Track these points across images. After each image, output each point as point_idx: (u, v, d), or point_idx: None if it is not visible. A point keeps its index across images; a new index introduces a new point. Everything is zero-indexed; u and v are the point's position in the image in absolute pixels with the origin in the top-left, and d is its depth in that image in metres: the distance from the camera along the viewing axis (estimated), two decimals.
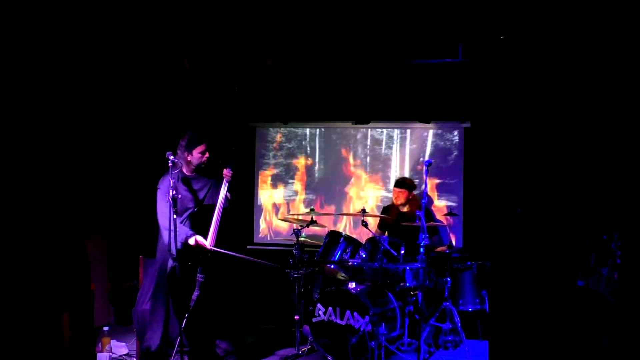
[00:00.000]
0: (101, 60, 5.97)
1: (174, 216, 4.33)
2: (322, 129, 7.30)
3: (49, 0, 4.79)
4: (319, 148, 7.30)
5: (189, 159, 4.74)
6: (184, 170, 4.80)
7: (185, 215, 4.74)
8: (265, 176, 7.44)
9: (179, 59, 6.67)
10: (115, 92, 6.49)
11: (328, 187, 7.25)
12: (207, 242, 4.65)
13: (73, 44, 5.28)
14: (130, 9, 5.51)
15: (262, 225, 7.45)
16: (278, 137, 7.42)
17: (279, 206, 7.39)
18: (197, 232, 4.68)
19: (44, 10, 4.74)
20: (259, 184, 7.46)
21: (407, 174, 6.82)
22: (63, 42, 5.08)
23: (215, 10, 5.65)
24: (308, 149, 7.33)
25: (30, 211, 4.29)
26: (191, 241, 4.59)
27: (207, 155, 4.78)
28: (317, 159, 7.30)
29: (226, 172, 4.77)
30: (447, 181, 6.87)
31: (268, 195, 7.43)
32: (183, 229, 4.61)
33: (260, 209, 7.45)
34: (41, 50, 4.73)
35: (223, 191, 4.76)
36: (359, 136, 7.17)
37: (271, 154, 7.44)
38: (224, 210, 4.77)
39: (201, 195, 4.83)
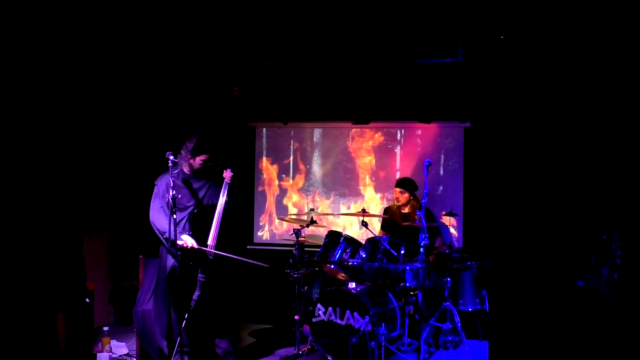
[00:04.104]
0: (102, 60, 5.97)
1: (174, 216, 4.33)
2: (322, 129, 7.30)
3: (51, 0, 4.79)
4: (319, 148, 7.31)
5: (190, 162, 4.78)
6: (185, 169, 4.81)
7: (185, 214, 4.74)
8: (265, 176, 7.44)
9: (180, 59, 6.67)
10: (116, 91, 6.49)
11: (328, 187, 7.25)
12: (208, 242, 4.65)
13: (74, 44, 5.28)
14: (131, 10, 5.51)
15: (262, 225, 7.45)
16: (278, 137, 7.42)
17: (279, 206, 7.39)
18: (197, 232, 4.68)
19: (46, 10, 4.74)
20: (259, 184, 7.46)
21: (407, 174, 6.82)
22: (65, 42, 5.08)
23: (215, 10, 5.65)
24: (308, 149, 7.33)
25: (28, 210, 4.28)
26: (179, 241, 4.59)
27: (209, 163, 4.82)
28: (317, 159, 7.30)
29: (227, 174, 4.79)
30: (447, 181, 6.88)
31: (268, 195, 7.44)
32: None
33: (260, 209, 7.46)
34: (43, 51, 4.73)
35: (224, 193, 4.77)
36: (359, 136, 7.18)
37: (271, 153, 7.44)
38: (225, 210, 4.78)
39: (200, 194, 4.83)
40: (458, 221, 6.76)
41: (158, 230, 4.66)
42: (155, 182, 4.77)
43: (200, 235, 4.67)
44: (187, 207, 4.76)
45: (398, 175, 6.81)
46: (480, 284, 5.52)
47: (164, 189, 4.56)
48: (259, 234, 7.45)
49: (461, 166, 6.84)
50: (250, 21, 5.86)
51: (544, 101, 6.41)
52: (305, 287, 5.56)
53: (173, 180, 4.45)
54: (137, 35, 6.00)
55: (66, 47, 5.12)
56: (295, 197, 7.35)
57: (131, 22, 5.73)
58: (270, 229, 7.43)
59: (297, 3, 5.50)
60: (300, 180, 7.34)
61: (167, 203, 4.42)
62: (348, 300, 5.01)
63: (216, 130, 7.07)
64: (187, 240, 4.59)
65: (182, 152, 4.77)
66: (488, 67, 6.47)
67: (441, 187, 6.90)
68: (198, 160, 4.77)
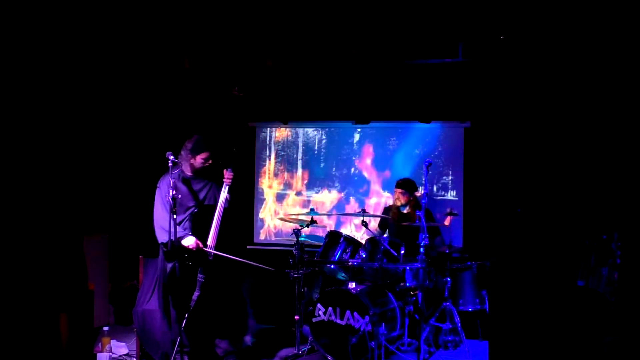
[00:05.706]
0: (102, 60, 5.98)
1: (174, 216, 4.34)
2: (322, 129, 7.30)
3: (50, 0, 4.79)
4: (319, 148, 7.30)
5: (191, 162, 4.75)
6: (185, 170, 4.80)
7: (186, 215, 4.73)
8: (265, 176, 7.45)
9: (179, 59, 6.67)
10: (116, 91, 6.49)
11: (328, 187, 7.25)
12: (208, 243, 4.65)
13: (74, 44, 5.28)
14: (130, 9, 5.51)
15: (262, 225, 7.45)
16: (278, 137, 7.42)
17: (279, 206, 7.39)
18: (197, 233, 4.67)
19: (45, 10, 4.75)
20: (259, 184, 7.46)
21: (407, 174, 6.81)
22: (64, 42, 5.08)
23: (215, 10, 5.65)
24: (308, 149, 7.33)
25: (28, 210, 4.28)
26: (185, 242, 4.58)
27: (210, 161, 4.80)
28: (317, 159, 7.29)
29: (227, 174, 4.78)
30: (447, 181, 6.88)
31: (268, 195, 7.44)
32: (178, 230, 4.60)
33: (260, 209, 7.45)
34: (42, 51, 4.74)
35: (224, 193, 4.77)
36: (359, 136, 7.18)
37: (271, 154, 7.44)
38: (225, 210, 4.77)
39: (202, 195, 4.83)
40: (458, 221, 6.76)
41: (160, 241, 4.65)
42: (157, 185, 4.76)
43: (200, 235, 4.67)
44: (189, 208, 4.75)
45: (398, 175, 6.80)
46: (480, 284, 5.52)
47: (166, 190, 4.55)
48: (259, 234, 7.45)
49: (461, 166, 6.84)
50: (250, 21, 5.87)
51: (544, 101, 6.41)
52: (305, 288, 5.56)
53: (174, 181, 4.45)
54: (137, 35, 6.00)
55: (66, 46, 5.13)
56: (295, 197, 7.35)
57: (131, 22, 5.74)
58: (270, 229, 7.42)
59: (296, 3, 5.50)
60: (300, 180, 7.34)
61: (168, 203, 4.42)
62: (348, 300, 5.01)
63: (216, 130, 7.07)
64: (191, 243, 4.58)
65: (182, 152, 4.76)
66: (488, 67, 6.47)
67: (441, 187, 6.90)
68: (199, 159, 4.74)
